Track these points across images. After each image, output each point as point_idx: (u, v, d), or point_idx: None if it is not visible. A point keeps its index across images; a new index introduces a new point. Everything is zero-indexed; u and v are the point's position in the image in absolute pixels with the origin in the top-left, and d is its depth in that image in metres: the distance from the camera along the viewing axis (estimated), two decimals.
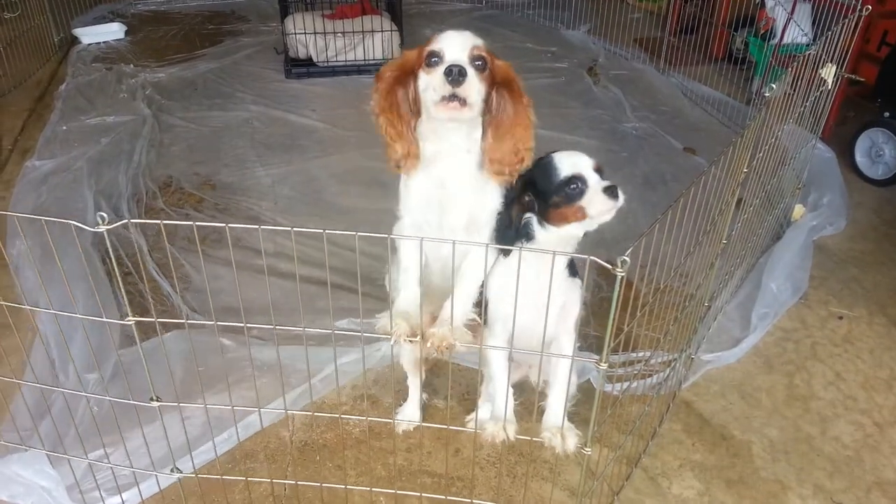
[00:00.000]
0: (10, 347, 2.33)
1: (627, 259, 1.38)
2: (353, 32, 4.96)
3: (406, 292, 1.87)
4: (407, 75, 1.74)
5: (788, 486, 2.16)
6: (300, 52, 5.03)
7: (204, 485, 2.07)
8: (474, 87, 1.65)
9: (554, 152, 1.79)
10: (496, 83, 1.73)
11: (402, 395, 2.39)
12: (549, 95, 4.77)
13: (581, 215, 1.72)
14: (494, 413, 1.97)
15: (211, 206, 3.51)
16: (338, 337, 2.52)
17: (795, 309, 2.87)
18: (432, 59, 1.68)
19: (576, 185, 1.71)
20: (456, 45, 1.68)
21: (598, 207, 1.70)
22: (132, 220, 1.52)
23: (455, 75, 1.61)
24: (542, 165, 1.77)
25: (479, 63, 1.68)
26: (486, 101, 1.72)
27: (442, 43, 1.68)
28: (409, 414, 2.34)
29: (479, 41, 1.71)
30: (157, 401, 1.80)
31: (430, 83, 1.67)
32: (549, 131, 4.26)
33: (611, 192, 1.69)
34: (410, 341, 1.77)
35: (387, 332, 1.77)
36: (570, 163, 1.74)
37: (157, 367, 1.82)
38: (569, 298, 1.86)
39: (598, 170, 1.74)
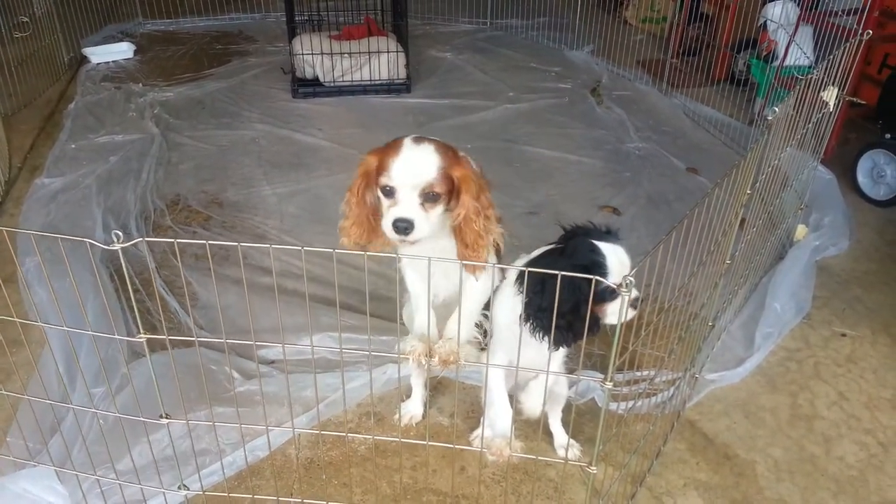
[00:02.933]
0: (20, 362, 2.36)
1: (632, 279, 1.40)
2: (360, 53, 5.03)
3: (420, 318, 1.93)
4: (373, 177, 1.74)
5: None
6: (307, 72, 5.09)
7: (210, 501, 2.08)
8: (423, 229, 1.67)
9: (600, 240, 1.77)
10: (455, 188, 1.72)
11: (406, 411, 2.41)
12: (552, 116, 4.82)
13: (601, 314, 1.75)
14: (498, 433, 2.00)
15: (218, 224, 3.54)
16: (345, 356, 2.55)
17: (799, 329, 2.89)
18: (386, 189, 1.70)
19: (614, 297, 1.73)
20: (408, 184, 1.66)
21: (612, 319, 1.72)
22: (147, 239, 1.55)
23: (401, 230, 1.66)
24: (595, 262, 1.74)
25: (431, 195, 1.68)
26: (449, 203, 1.73)
27: (395, 177, 1.66)
28: (413, 409, 2.42)
29: (433, 170, 1.66)
30: (167, 418, 1.82)
31: (384, 216, 1.71)
32: (552, 151, 4.31)
33: (633, 306, 1.72)
34: (425, 360, 1.85)
35: (405, 353, 1.85)
36: (618, 269, 1.73)
37: (163, 382, 1.84)
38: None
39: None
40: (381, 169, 1.70)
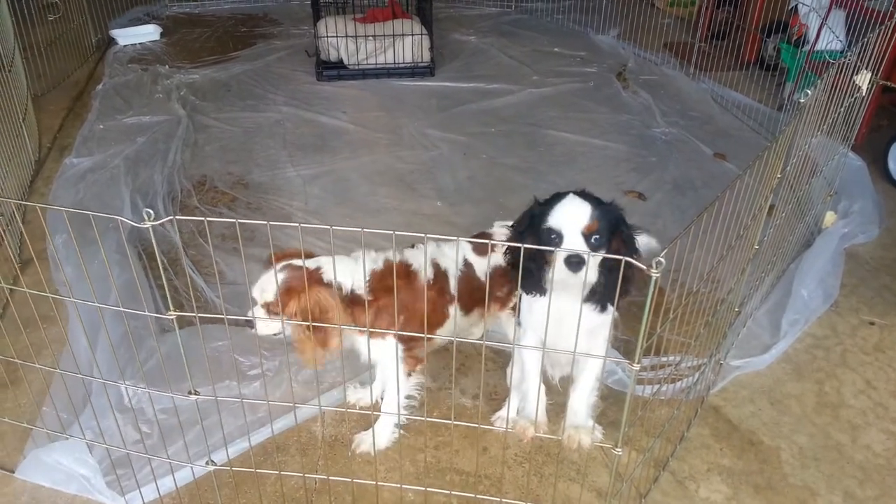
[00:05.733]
0: (52, 337, 2.41)
1: (663, 260, 1.39)
2: (384, 36, 5.02)
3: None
4: None
5: (818, 492, 2.16)
6: (331, 55, 5.10)
7: (237, 476, 2.11)
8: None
9: (568, 193, 1.83)
10: None
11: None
12: (577, 100, 4.78)
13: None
14: (525, 411, 2.00)
15: (244, 205, 3.57)
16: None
17: (826, 316, 2.85)
18: None
19: (555, 237, 1.77)
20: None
21: (559, 273, 1.72)
22: (177, 217, 1.57)
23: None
24: (541, 208, 1.83)
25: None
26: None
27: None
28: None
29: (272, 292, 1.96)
30: (196, 394, 1.85)
31: None
32: (577, 136, 4.29)
33: (572, 264, 1.71)
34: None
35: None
36: (565, 217, 1.77)
37: (191, 358, 1.87)
38: (597, 323, 1.90)
39: (592, 232, 1.76)
40: None
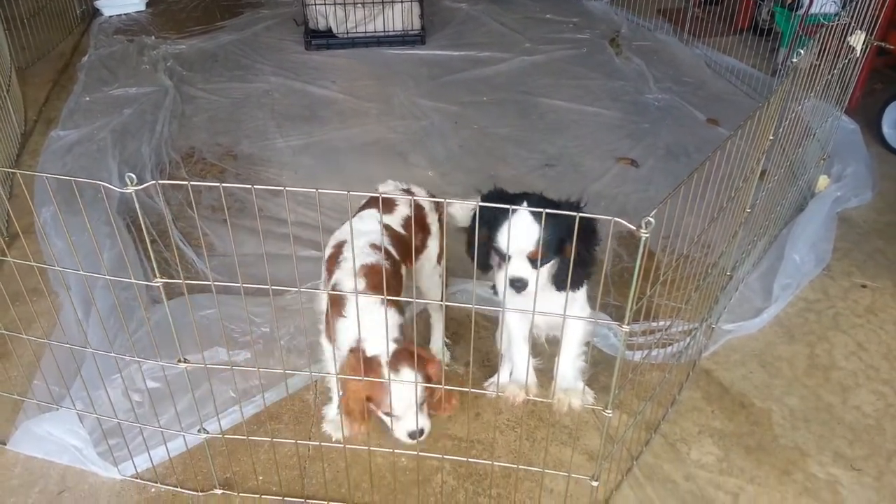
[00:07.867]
0: (41, 310, 2.39)
1: (652, 220, 1.38)
2: (374, 3, 4.94)
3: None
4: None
5: (808, 453, 2.17)
6: (320, 24, 5.02)
7: (230, 444, 2.11)
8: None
9: (520, 202, 1.80)
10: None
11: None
12: (570, 67, 4.73)
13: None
14: (514, 376, 2.00)
15: (233, 176, 3.54)
16: None
17: (818, 280, 2.85)
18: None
19: (501, 257, 1.80)
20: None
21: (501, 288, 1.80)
22: (160, 182, 1.54)
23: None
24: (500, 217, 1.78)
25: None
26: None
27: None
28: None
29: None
30: (185, 362, 1.84)
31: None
32: (569, 103, 4.25)
33: (515, 287, 1.77)
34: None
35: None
36: (505, 238, 1.76)
37: (180, 327, 1.85)
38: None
39: (537, 258, 1.76)
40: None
